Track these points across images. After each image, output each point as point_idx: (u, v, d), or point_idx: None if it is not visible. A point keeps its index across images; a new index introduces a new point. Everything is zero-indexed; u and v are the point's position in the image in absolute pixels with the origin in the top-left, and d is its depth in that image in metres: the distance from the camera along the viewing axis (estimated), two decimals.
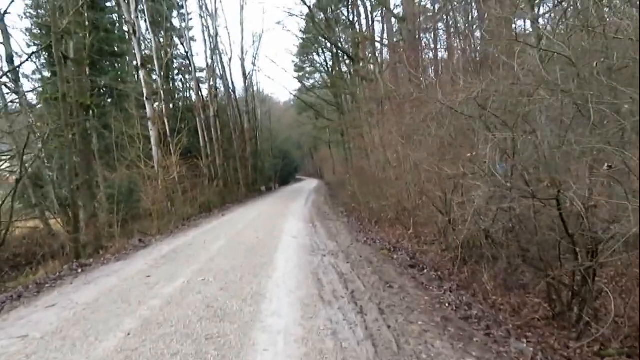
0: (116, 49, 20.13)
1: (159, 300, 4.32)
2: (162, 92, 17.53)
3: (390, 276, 5.38)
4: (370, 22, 20.44)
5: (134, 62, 18.42)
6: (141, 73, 14.56)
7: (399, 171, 10.25)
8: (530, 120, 3.82)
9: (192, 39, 25.73)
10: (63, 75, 7.29)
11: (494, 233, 5.02)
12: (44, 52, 13.97)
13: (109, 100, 18.17)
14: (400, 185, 10.12)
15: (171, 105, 25.23)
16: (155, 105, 18.45)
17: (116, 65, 21.15)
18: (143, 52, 19.72)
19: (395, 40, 16.91)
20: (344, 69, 23.26)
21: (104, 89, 17.78)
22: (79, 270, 6.21)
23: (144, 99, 14.23)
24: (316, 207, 16.04)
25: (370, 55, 18.76)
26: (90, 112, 15.34)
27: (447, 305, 4.19)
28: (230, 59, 26.93)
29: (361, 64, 17.99)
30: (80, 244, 7.47)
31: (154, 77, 17.91)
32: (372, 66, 18.42)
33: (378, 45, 18.60)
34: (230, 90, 26.82)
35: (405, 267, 6.02)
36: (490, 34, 6.22)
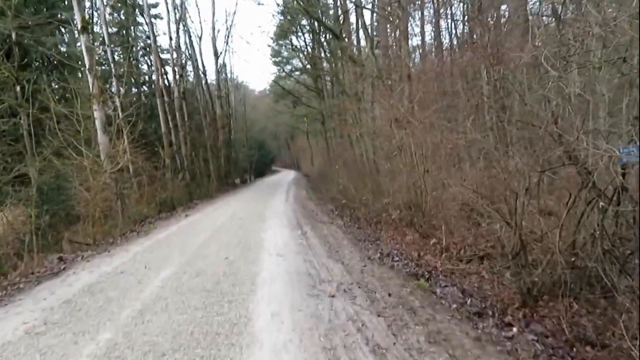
0: (63, 16, 17.00)
1: None
2: (113, 67, 14.51)
3: (464, 349, 2.97)
4: None
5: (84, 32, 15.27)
6: (82, 39, 11.59)
7: (410, 161, 7.96)
8: None
9: (157, 16, 22.74)
10: None
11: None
12: None
13: (45, 76, 14.96)
14: (410, 180, 7.86)
15: (134, 89, 22.16)
16: (113, 85, 15.55)
17: (64, 36, 17.98)
18: (103, 28, 16.68)
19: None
20: (327, 49, 20.66)
21: (41, 61, 14.65)
22: None
23: (86, 70, 11.35)
24: (300, 203, 13.54)
25: (355, 30, 16.35)
26: (19, 87, 12.40)
27: None
28: (200, 38, 24.01)
29: (347, 41, 15.44)
30: None
31: (112, 53, 14.88)
32: (362, 42, 16.07)
33: (367, 19, 16.07)
34: (201, 72, 23.78)
35: (467, 316, 3.67)
36: None
